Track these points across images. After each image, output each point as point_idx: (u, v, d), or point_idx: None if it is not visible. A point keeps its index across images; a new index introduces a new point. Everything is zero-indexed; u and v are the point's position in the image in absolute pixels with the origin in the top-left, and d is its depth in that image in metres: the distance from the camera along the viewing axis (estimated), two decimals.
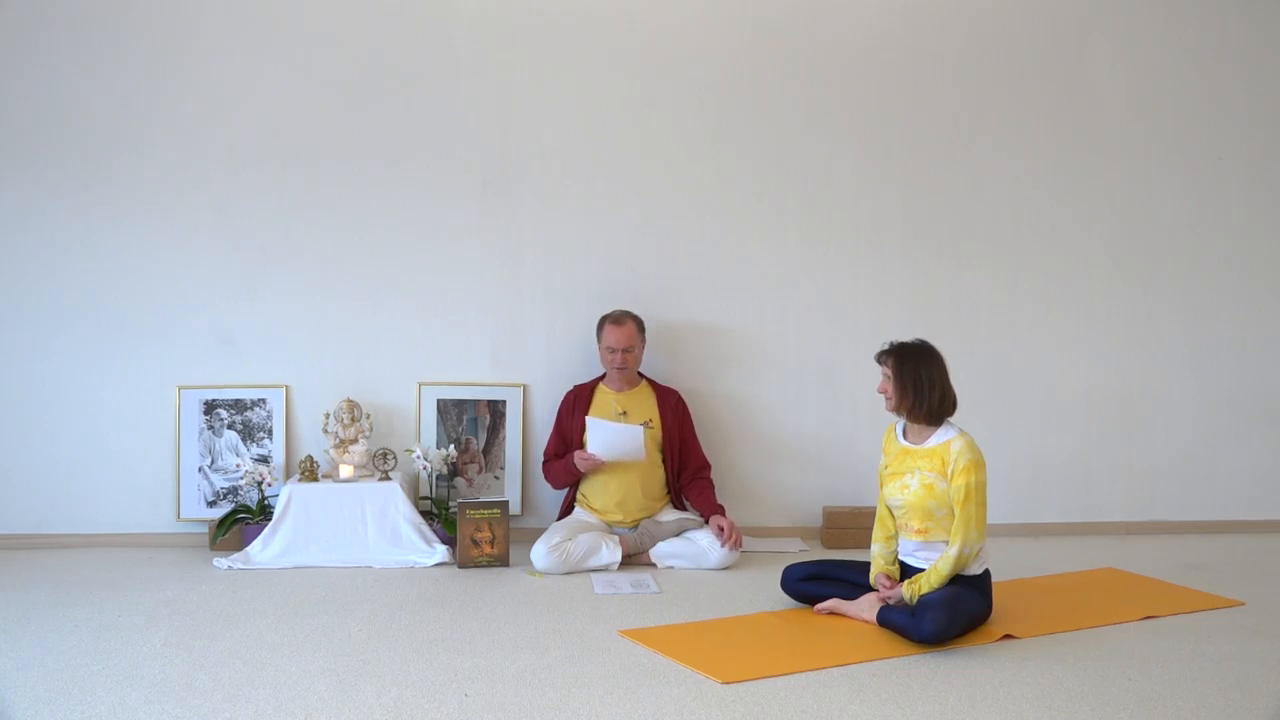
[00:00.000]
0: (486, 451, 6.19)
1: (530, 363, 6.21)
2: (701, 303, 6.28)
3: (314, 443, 6.02)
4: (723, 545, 5.55)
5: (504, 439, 6.19)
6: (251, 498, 5.93)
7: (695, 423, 6.04)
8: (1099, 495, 6.56)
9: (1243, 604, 5.04)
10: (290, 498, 5.64)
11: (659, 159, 6.25)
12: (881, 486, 4.77)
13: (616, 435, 5.68)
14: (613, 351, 5.83)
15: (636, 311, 5.96)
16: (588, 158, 6.21)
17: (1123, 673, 4.10)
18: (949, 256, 6.43)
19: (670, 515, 5.82)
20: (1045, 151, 6.48)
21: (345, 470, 5.78)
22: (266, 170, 6.05)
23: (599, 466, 5.70)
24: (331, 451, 5.85)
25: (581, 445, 5.82)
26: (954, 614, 4.37)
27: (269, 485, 5.85)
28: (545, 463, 5.96)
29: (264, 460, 6.01)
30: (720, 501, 5.83)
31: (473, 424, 6.18)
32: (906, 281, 6.40)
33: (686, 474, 5.91)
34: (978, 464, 4.52)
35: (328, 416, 5.91)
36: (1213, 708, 3.77)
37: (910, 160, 6.40)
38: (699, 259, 6.27)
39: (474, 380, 6.19)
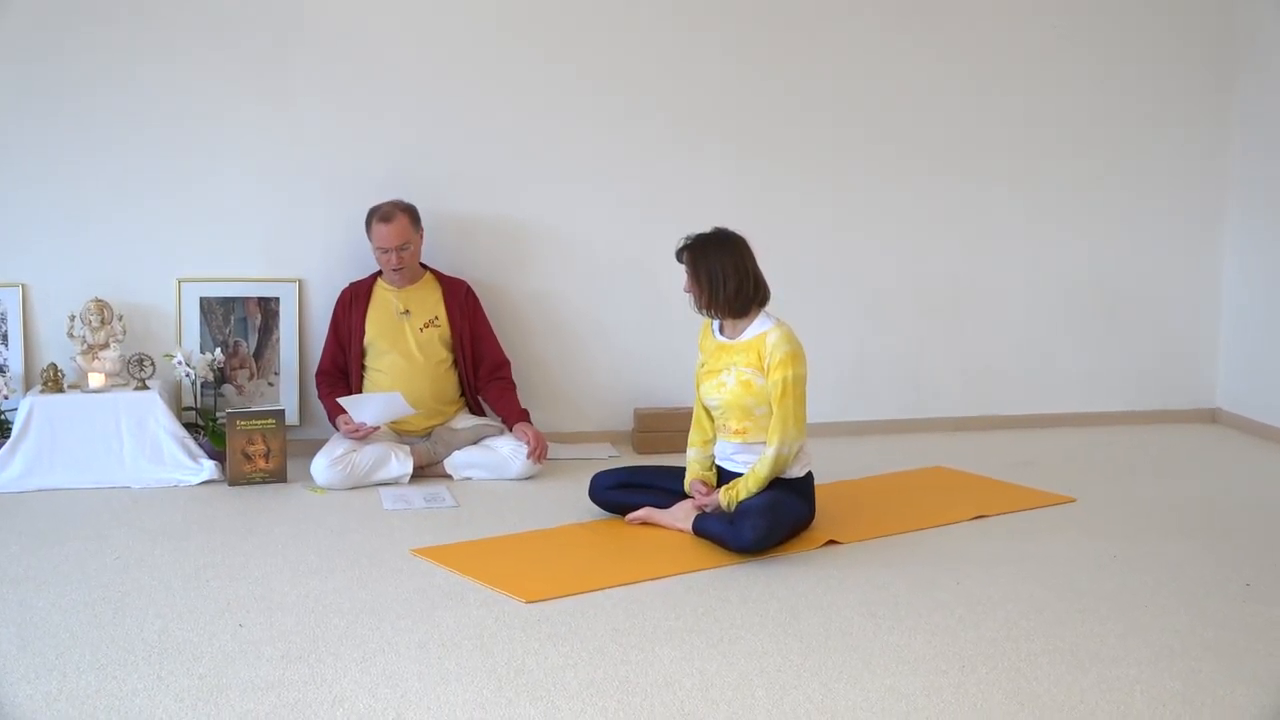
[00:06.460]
0: (258, 355, 6.10)
1: (307, 256, 6.11)
2: (502, 194, 6.24)
3: (58, 349, 5.84)
4: (529, 458, 5.60)
5: (278, 341, 6.10)
6: None
7: (492, 318, 6.05)
8: (929, 391, 6.79)
9: (1074, 500, 5.31)
10: (31, 411, 5.49)
11: (458, 31, 6.15)
12: (698, 386, 4.85)
13: (374, 404, 5.57)
14: (385, 252, 5.75)
15: (426, 204, 5.89)
16: (375, 31, 6.07)
17: (951, 576, 4.29)
18: (773, 144, 6.48)
19: (466, 421, 5.83)
20: (871, 29, 6.53)
21: (95, 379, 5.64)
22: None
23: (370, 432, 5.58)
24: (79, 358, 5.69)
25: (361, 351, 5.79)
26: (774, 520, 4.49)
27: (6, 398, 5.66)
28: (319, 379, 5.89)
29: None
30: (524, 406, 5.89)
31: (242, 325, 6.07)
32: (727, 170, 6.45)
33: (483, 373, 5.92)
34: (795, 356, 4.61)
35: (73, 319, 5.73)
36: (1042, 609, 3.97)
37: (732, 39, 6.40)
38: (501, 146, 6.22)
39: (243, 275, 6.07)
